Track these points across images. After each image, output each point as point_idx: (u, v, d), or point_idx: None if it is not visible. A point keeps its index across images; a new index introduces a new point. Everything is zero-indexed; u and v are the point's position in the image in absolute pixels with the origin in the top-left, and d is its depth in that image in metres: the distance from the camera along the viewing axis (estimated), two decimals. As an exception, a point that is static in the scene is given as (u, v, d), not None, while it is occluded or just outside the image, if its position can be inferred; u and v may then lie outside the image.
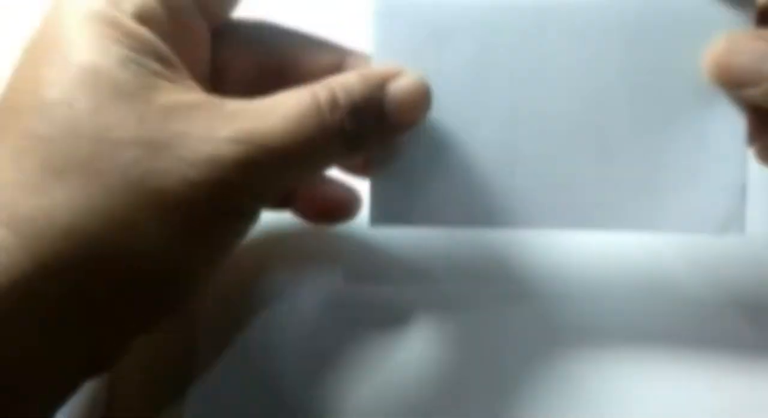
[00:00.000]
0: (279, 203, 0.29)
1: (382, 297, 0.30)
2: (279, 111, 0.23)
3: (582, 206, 0.26)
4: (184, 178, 0.21)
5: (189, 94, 0.22)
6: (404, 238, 0.31)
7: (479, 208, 0.26)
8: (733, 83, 0.25)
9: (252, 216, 0.25)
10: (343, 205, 0.29)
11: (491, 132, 0.26)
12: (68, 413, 0.28)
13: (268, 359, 0.29)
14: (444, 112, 0.26)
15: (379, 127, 0.24)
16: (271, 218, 0.30)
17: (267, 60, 0.27)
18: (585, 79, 0.26)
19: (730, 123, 0.25)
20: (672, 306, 0.29)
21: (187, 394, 0.28)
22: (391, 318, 0.29)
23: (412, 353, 0.29)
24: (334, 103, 0.23)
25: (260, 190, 0.23)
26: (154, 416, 0.28)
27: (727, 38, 0.25)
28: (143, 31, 0.23)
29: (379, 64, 0.26)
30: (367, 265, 0.30)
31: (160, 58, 0.23)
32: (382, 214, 0.26)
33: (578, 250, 0.30)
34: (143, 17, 0.23)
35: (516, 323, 0.29)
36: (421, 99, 0.25)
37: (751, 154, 0.27)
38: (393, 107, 0.24)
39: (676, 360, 0.28)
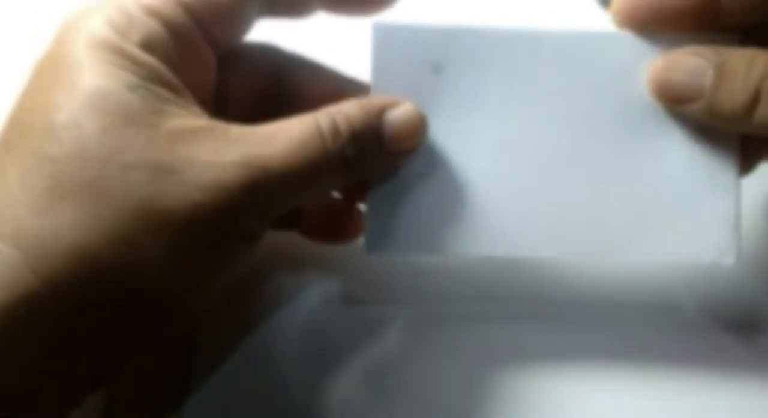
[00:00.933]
0: (285, 225, 0.30)
1: (380, 311, 0.30)
2: (283, 136, 0.23)
3: (575, 235, 0.26)
4: (190, 200, 0.22)
5: (195, 120, 0.23)
6: (402, 259, 0.31)
7: (473, 237, 0.26)
8: (673, 100, 0.25)
9: (255, 238, 0.25)
10: (347, 227, 0.30)
11: (485, 162, 0.26)
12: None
13: (267, 363, 0.30)
14: (439, 142, 0.26)
15: (377, 154, 0.25)
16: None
17: (271, 84, 0.28)
18: (577, 109, 0.26)
19: (723, 153, 0.26)
20: (667, 326, 0.29)
21: (185, 399, 0.29)
22: (389, 333, 0.30)
23: (405, 367, 0.29)
24: (335, 130, 0.24)
25: (264, 213, 0.24)
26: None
27: (666, 56, 0.25)
28: (149, 59, 0.23)
29: (376, 93, 0.26)
30: (365, 287, 0.31)
31: (167, 85, 0.23)
32: (377, 243, 0.27)
33: (573, 269, 0.31)
34: (150, 46, 0.23)
35: (512, 343, 0.29)
36: (416, 127, 0.26)
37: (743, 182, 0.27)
38: (390, 135, 0.25)
39: (669, 379, 0.29)
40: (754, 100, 0.23)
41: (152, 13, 0.24)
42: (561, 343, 0.29)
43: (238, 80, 0.27)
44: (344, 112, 0.24)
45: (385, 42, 0.26)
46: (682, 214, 0.26)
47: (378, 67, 0.26)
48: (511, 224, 0.26)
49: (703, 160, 0.26)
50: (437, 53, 0.26)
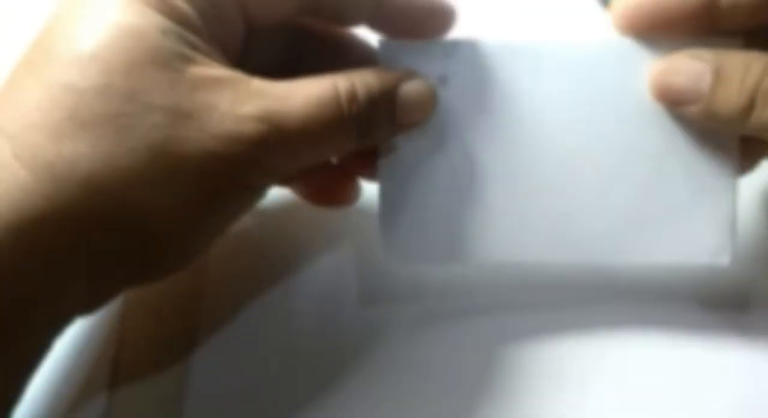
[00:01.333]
0: (280, 181, 0.30)
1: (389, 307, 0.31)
2: (301, 95, 0.24)
3: (576, 239, 0.27)
4: (204, 149, 0.22)
5: (219, 69, 0.23)
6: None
7: (484, 244, 0.27)
8: (673, 102, 0.26)
9: (260, 191, 0.26)
10: (340, 193, 0.30)
11: (493, 170, 0.27)
12: (75, 376, 0.29)
13: (275, 330, 0.30)
14: (448, 152, 0.27)
15: (389, 123, 0.26)
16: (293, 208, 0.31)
17: (294, 37, 0.28)
18: (579, 115, 0.27)
19: (722, 154, 0.26)
20: (661, 313, 0.30)
21: (189, 362, 0.29)
22: (398, 326, 0.30)
23: (414, 358, 0.30)
24: (352, 94, 0.24)
25: (273, 169, 0.24)
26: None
27: (666, 59, 0.26)
28: (183, 4, 0.23)
29: None
30: (381, 287, 0.31)
31: (196, 32, 0.23)
32: (396, 253, 0.28)
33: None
34: None
35: (516, 332, 0.30)
36: (428, 101, 0.27)
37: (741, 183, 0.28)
38: (403, 105, 0.26)
39: (661, 361, 0.29)
40: (750, 104, 0.24)
41: None
42: (563, 328, 0.30)
43: (264, 35, 0.27)
44: (363, 78, 0.25)
45: (391, 57, 0.27)
46: (680, 215, 0.27)
47: None
48: (519, 230, 0.27)
49: (702, 162, 0.27)
50: (442, 66, 0.27)
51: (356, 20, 0.27)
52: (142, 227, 0.23)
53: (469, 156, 0.27)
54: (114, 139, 0.22)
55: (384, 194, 0.28)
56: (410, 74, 0.26)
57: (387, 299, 0.30)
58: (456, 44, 0.27)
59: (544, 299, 0.30)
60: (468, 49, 0.27)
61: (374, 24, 0.27)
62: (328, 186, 0.30)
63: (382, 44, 0.27)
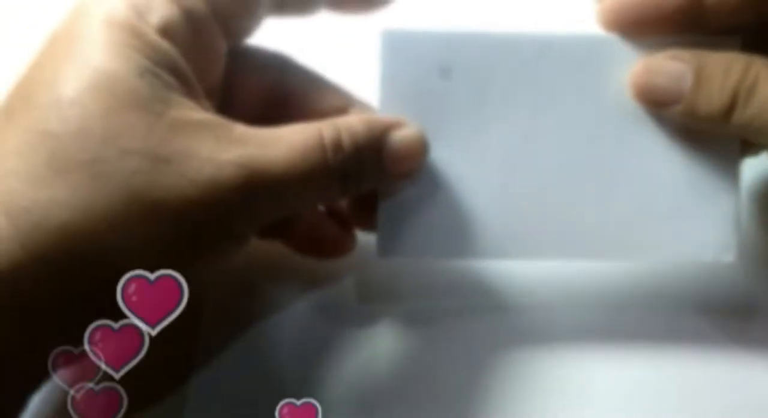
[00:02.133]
0: (270, 234, 0.29)
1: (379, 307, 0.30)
2: (285, 143, 0.23)
3: (577, 238, 0.27)
4: (183, 195, 0.22)
5: (200, 113, 0.23)
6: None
7: (480, 241, 0.27)
8: (654, 103, 0.26)
9: (242, 240, 0.25)
10: (335, 244, 0.29)
11: (493, 165, 0.27)
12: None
13: (269, 354, 0.30)
14: (448, 146, 0.27)
15: (376, 173, 0.25)
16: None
17: (276, 89, 0.28)
18: (581, 111, 0.26)
19: (724, 151, 0.26)
20: (661, 315, 0.30)
21: (188, 386, 0.29)
22: (388, 325, 0.30)
23: (403, 357, 0.29)
24: (337, 143, 0.24)
25: (254, 217, 0.24)
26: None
27: (646, 60, 0.26)
28: (165, 45, 0.23)
29: (385, 98, 0.26)
30: (379, 284, 0.31)
31: (178, 74, 0.23)
32: (389, 247, 0.27)
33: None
34: (167, 31, 0.23)
35: (512, 332, 0.30)
36: (418, 152, 0.26)
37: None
38: (391, 156, 0.25)
39: (641, 360, 0.29)
40: (732, 103, 0.24)
41: None
42: (561, 332, 0.30)
43: (245, 81, 0.27)
44: (349, 126, 0.24)
45: (394, 47, 0.26)
46: (683, 212, 0.27)
47: (387, 72, 0.26)
48: (518, 228, 0.27)
49: (704, 158, 0.26)
50: (445, 58, 0.26)
51: (318, 4, 0.26)
52: (120, 274, 0.22)
53: (469, 150, 0.27)
54: (90, 185, 0.21)
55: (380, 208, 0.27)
56: (400, 122, 0.26)
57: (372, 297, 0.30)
58: (460, 36, 0.26)
59: (542, 303, 0.30)
60: (472, 41, 0.26)
61: (334, 5, 0.27)
62: (320, 236, 0.29)
63: (385, 33, 0.27)
